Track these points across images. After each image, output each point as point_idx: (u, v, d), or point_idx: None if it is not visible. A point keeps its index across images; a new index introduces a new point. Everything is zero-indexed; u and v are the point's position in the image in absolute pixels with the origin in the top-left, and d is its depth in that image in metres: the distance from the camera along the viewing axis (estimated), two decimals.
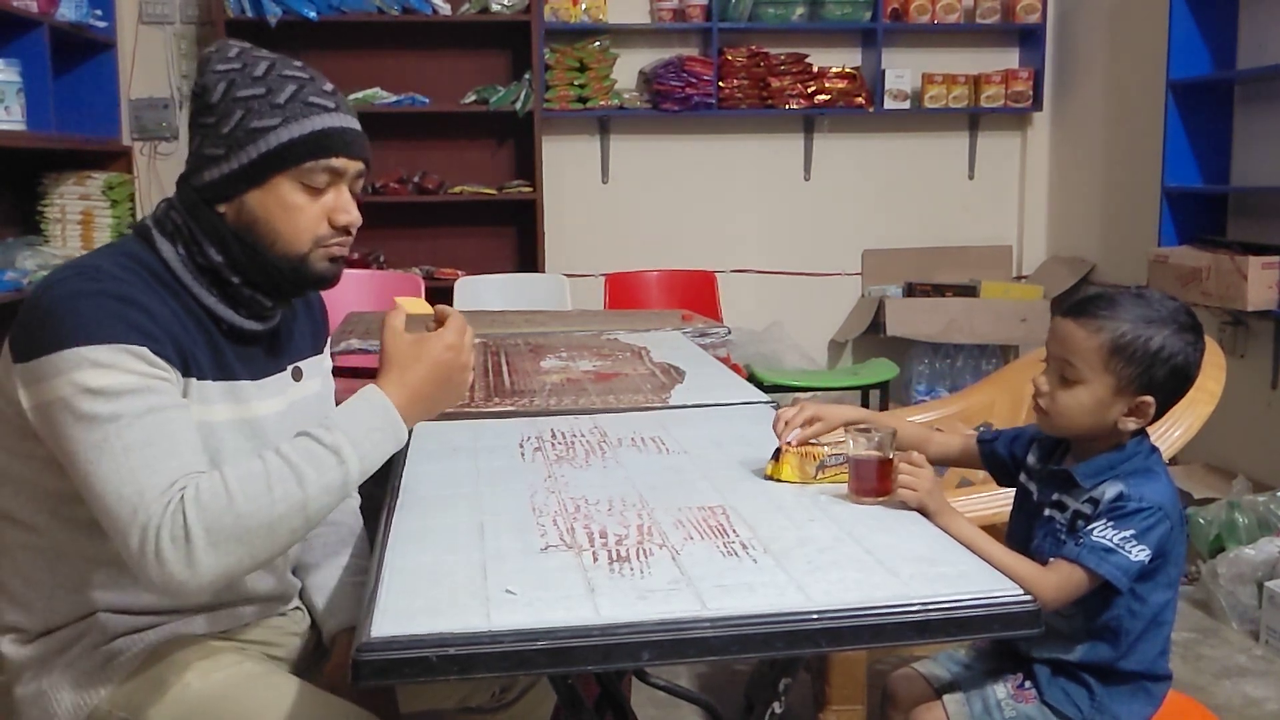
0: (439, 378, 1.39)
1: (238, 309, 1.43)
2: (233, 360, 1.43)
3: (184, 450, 1.27)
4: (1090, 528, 1.46)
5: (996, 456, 1.71)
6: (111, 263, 1.34)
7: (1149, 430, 1.58)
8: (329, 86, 1.43)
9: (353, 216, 1.43)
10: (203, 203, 1.40)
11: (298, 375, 1.56)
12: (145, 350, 1.28)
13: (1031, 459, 1.64)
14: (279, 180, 1.38)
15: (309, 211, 1.40)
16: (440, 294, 4.54)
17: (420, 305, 1.47)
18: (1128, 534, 1.43)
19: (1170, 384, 1.49)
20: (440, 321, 1.44)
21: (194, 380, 1.36)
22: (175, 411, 1.29)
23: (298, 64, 1.43)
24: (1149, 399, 1.48)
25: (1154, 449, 1.56)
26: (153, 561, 1.20)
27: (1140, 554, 1.43)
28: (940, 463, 1.76)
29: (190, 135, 1.43)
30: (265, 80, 1.38)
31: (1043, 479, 1.60)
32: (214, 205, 1.40)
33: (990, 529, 1.47)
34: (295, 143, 1.37)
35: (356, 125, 1.44)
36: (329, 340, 1.69)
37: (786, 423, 1.61)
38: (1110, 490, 1.48)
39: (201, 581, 1.22)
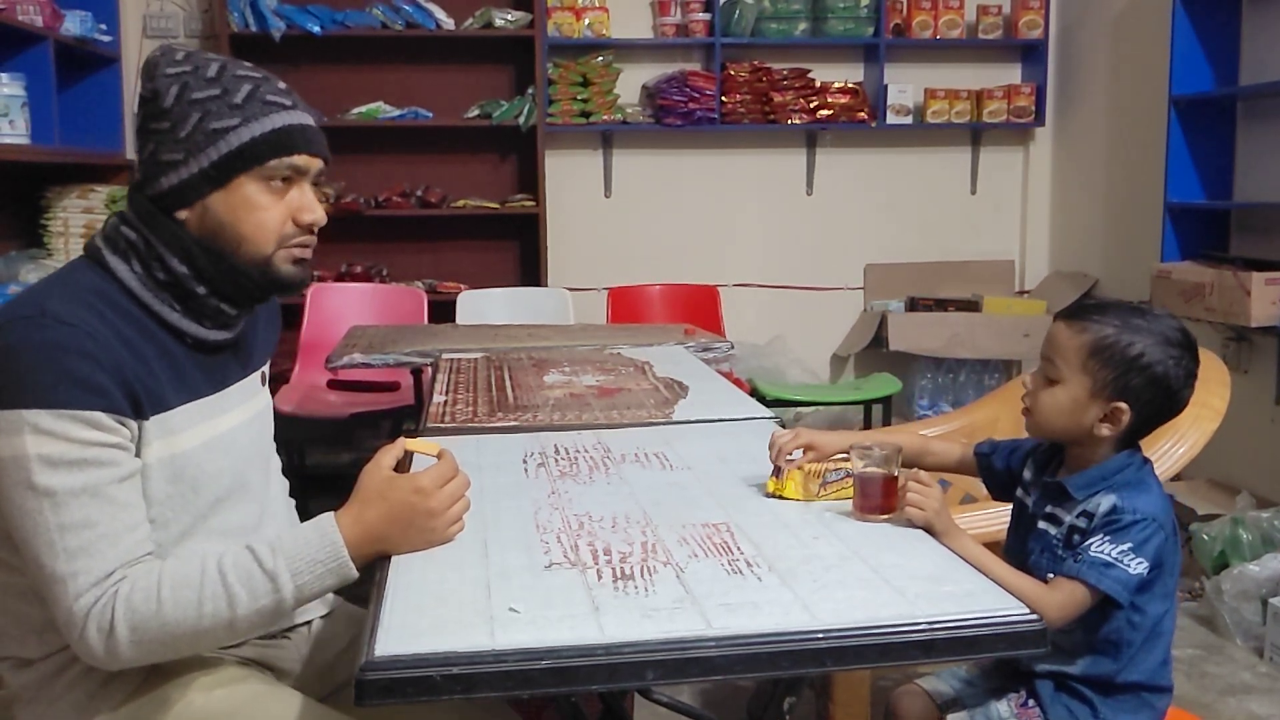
0: (400, 519, 1.34)
1: (202, 321, 1.40)
2: (197, 376, 1.41)
3: (123, 535, 1.26)
4: (1088, 543, 1.46)
5: (993, 470, 1.71)
6: (61, 298, 1.29)
7: (1143, 445, 1.57)
8: (283, 85, 1.41)
9: (317, 215, 1.42)
10: (161, 211, 1.36)
11: (263, 380, 1.57)
12: (95, 415, 1.24)
13: (1028, 473, 1.65)
14: (242, 180, 1.36)
15: (274, 211, 1.38)
16: (443, 308, 4.55)
17: (428, 446, 1.46)
18: (1125, 547, 1.44)
19: (1147, 394, 1.48)
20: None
21: (153, 418, 1.32)
22: (115, 488, 1.27)
23: (248, 65, 1.41)
24: (1123, 405, 1.48)
25: (1145, 461, 1.56)
26: (76, 639, 1.26)
27: (1139, 567, 1.43)
28: (937, 471, 1.76)
29: (140, 143, 1.38)
30: (220, 81, 1.36)
31: (1037, 491, 1.61)
32: (173, 213, 1.36)
33: (993, 545, 1.47)
34: (258, 141, 1.35)
35: (314, 123, 1.42)
36: (273, 352, 1.65)
37: (780, 449, 1.60)
38: (1104, 503, 1.48)
39: (119, 666, 1.28)
